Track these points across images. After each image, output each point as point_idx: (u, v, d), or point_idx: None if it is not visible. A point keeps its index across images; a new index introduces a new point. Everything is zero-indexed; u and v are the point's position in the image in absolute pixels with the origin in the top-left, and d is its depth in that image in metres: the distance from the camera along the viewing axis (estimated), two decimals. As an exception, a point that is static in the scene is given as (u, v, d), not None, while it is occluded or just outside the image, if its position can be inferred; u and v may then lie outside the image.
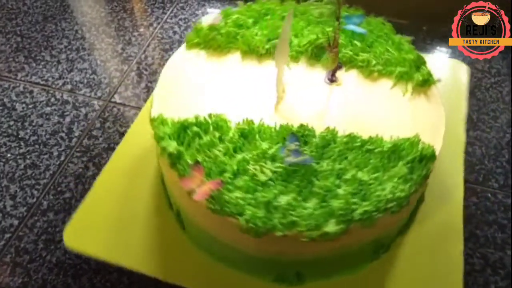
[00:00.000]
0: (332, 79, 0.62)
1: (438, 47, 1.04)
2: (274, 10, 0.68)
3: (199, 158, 0.50)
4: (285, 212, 0.46)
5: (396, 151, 0.52)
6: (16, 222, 0.77)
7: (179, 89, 0.60)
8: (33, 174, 0.83)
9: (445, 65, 0.90)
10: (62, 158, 0.85)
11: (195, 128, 0.52)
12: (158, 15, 1.13)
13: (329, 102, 0.60)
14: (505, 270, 0.69)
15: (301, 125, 0.55)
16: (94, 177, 0.81)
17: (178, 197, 0.56)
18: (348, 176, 0.49)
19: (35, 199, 0.79)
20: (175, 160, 0.50)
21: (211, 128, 0.53)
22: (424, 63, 0.63)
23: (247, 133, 0.53)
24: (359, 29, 0.62)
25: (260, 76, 0.62)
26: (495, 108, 0.90)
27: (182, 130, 0.53)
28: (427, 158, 0.51)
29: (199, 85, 0.61)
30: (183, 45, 0.66)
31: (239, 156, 0.50)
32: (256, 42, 0.64)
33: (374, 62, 0.62)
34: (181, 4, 1.16)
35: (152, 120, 0.54)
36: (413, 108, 0.59)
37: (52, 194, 0.80)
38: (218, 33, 0.65)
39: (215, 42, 0.65)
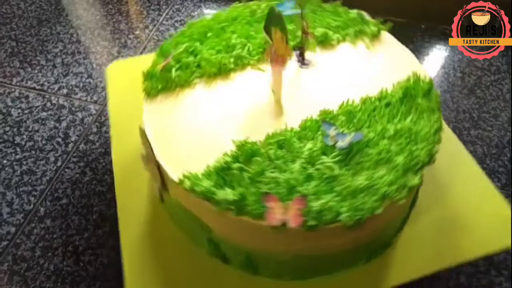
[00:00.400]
0: (304, 63, 0.62)
1: (436, 45, 1.03)
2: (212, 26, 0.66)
3: (263, 189, 0.46)
4: (386, 187, 0.47)
5: (407, 94, 0.55)
6: (13, 229, 0.76)
7: (176, 139, 0.54)
8: (30, 181, 0.82)
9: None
10: (59, 163, 0.84)
11: (236, 164, 0.49)
12: (154, 17, 1.12)
13: (318, 83, 0.60)
14: (510, 271, 0.69)
15: (321, 112, 0.55)
16: (91, 182, 0.80)
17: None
18: (391, 131, 0.51)
19: (32, 206, 0.78)
20: (240, 207, 0.46)
21: (243, 156, 0.50)
22: (363, 15, 0.67)
23: (283, 142, 0.51)
24: (295, 11, 0.61)
25: (242, 87, 0.60)
26: (496, 106, 0.90)
27: (223, 172, 0.49)
28: (431, 86, 0.56)
29: (191, 124, 0.55)
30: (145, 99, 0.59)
31: (293, 166, 0.48)
32: (220, 59, 0.61)
33: (330, 32, 0.64)
34: (176, 6, 1.15)
35: (182, 183, 0.48)
36: (384, 56, 0.63)
37: (49, 200, 0.79)
38: (175, 70, 0.60)
39: (178, 80, 0.59)
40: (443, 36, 1.03)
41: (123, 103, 0.72)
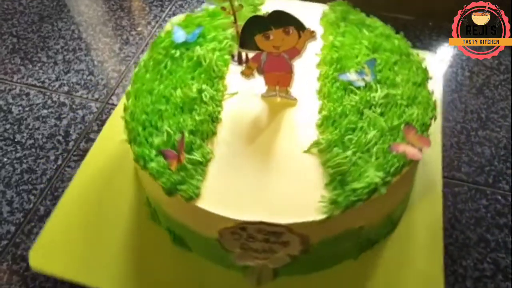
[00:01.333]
0: (240, 61, 0.61)
1: (444, 43, 1.01)
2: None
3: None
4: None
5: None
6: (13, 228, 0.75)
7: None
8: (30, 179, 0.81)
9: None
10: (59, 162, 0.83)
11: None
12: (156, 13, 1.11)
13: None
14: (517, 275, 0.67)
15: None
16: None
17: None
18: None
19: (32, 205, 0.77)
20: None
21: None
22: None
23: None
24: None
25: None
26: (505, 107, 0.88)
27: None
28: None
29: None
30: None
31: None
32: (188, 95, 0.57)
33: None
34: (179, 2, 1.14)
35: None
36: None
37: (49, 199, 0.78)
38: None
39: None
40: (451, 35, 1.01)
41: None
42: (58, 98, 0.93)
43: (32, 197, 0.78)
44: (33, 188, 0.80)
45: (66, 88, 0.95)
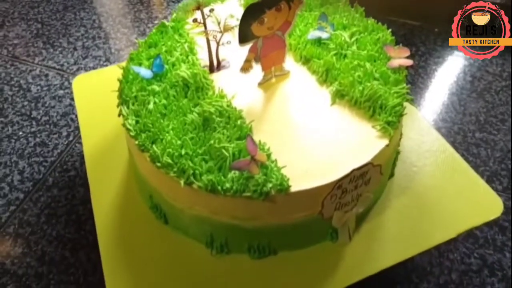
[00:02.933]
0: (212, 69, 0.62)
1: (448, 49, 1.03)
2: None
3: None
4: None
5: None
6: (22, 195, 0.79)
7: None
8: (42, 152, 0.86)
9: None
10: (71, 138, 0.88)
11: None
12: (174, 8, 1.16)
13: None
14: (503, 272, 0.68)
15: None
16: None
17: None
18: None
19: (41, 175, 0.82)
20: None
21: None
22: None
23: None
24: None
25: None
26: (504, 111, 0.89)
27: None
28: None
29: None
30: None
31: None
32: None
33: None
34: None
35: None
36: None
37: (58, 171, 0.82)
38: None
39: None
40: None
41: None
42: (75, 81, 0.99)
43: (42, 168, 0.83)
44: (44, 160, 0.84)
45: (83, 72, 1.00)
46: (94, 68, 1.01)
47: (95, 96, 0.74)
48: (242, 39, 0.51)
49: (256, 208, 0.49)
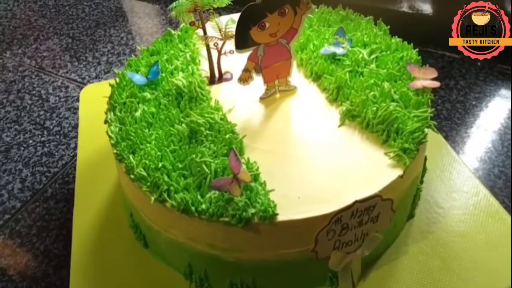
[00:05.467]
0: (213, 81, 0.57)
1: (491, 84, 0.93)
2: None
3: None
4: None
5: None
6: (18, 205, 0.76)
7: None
8: (47, 162, 0.83)
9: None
10: (77, 150, 0.85)
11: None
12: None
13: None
14: None
15: None
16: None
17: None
18: None
19: (42, 186, 0.79)
20: None
21: None
22: None
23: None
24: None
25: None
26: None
27: None
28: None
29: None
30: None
31: None
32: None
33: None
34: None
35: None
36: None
37: (58, 183, 0.79)
38: None
39: None
40: (501, 76, 0.93)
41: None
42: (93, 94, 0.98)
43: (44, 179, 0.80)
44: (47, 171, 0.82)
45: (102, 86, 1.00)
46: (113, 83, 1.00)
47: (101, 107, 0.71)
48: (239, 45, 0.45)
49: (237, 237, 0.41)
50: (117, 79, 0.55)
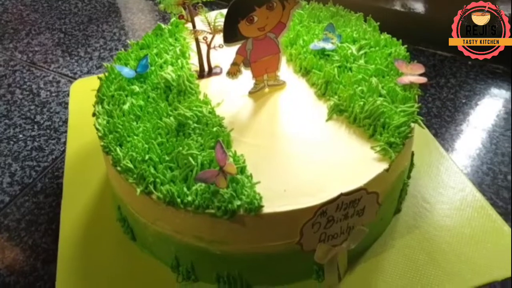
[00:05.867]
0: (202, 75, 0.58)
1: (481, 83, 0.93)
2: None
3: None
4: None
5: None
6: (7, 199, 0.76)
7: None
8: (37, 157, 0.83)
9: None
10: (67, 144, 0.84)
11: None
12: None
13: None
14: None
15: None
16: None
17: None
18: None
19: (31, 180, 0.79)
20: None
21: None
22: None
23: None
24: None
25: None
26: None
27: None
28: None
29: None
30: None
31: None
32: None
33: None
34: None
35: None
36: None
37: (48, 177, 0.79)
38: None
39: None
40: (491, 75, 0.94)
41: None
42: (84, 89, 0.97)
43: (33, 173, 0.80)
44: (36, 165, 0.81)
45: (93, 81, 0.99)
46: (105, 78, 1.00)
47: (91, 101, 0.71)
48: (228, 38, 0.45)
49: (223, 229, 0.41)
50: (106, 73, 0.55)
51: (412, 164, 0.57)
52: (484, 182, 0.73)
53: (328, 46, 0.56)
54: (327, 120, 0.49)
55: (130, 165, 0.42)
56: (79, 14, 1.22)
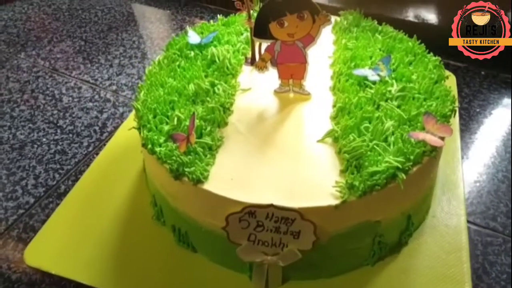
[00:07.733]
0: (252, 62, 0.62)
1: (494, 93, 0.95)
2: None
3: None
4: None
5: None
6: (32, 200, 0.78)
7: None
8: (60, 160, 0.85)
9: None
10: (90, 148, 0.87)
11: None
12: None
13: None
14: None
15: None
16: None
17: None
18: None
19: (55, 182, 0.81)
20: None
21: None
22: None
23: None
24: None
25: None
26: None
27: None
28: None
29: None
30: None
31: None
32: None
33: None
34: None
35: None
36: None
37: (71, 180, 0.81)
38: None
39: None
40: (504, 85, 0.96)
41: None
42: (105, 95, 1.00)
43: (57, 175, 0.82)
44: (60, 168, 0.84)
45: (114, 87, 1.02)
46: (126, 84, 1.03)
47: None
48: (256, 33, 0.49)
49: (174, 186, 0.48)
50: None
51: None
52: (500, 190, 0.74)
53: (372, 77, 0.55)
54: (318, 141, 0.50)
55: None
56: (99, 23, 1.26)
